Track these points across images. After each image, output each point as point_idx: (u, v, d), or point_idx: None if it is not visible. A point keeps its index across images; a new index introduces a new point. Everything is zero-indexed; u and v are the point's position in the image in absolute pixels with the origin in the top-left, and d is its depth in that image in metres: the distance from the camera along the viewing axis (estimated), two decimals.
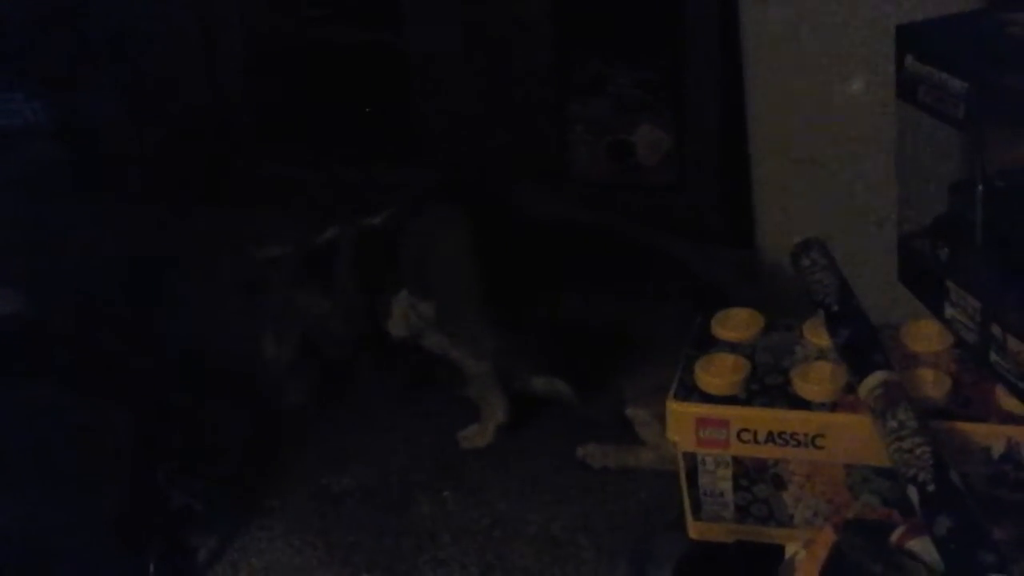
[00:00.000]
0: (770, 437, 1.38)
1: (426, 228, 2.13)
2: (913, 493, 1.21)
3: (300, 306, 2.16)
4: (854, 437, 1.35)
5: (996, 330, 1.33)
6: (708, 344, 1.50)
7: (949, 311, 1.42)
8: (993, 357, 1.34)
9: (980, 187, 1.32)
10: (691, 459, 1.43)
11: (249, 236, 2.75)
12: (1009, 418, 1.33)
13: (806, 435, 1.37)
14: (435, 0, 2.88)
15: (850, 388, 1.36)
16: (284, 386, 2.19)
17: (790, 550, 1.41)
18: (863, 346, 1.37)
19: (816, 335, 1.47)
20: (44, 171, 2.77)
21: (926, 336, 1.46)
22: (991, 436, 1.32)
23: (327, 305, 2.15)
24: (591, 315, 2.03)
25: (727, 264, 2.29)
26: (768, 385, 1.42)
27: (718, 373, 1.42)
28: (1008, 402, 1.34)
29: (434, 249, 2.12)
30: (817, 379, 1.39)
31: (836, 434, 1.36)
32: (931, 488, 1.19)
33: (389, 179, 2.84)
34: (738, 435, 1.40)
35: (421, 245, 2.12)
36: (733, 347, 1.49)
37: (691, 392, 1.43)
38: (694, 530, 1.48)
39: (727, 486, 1.43)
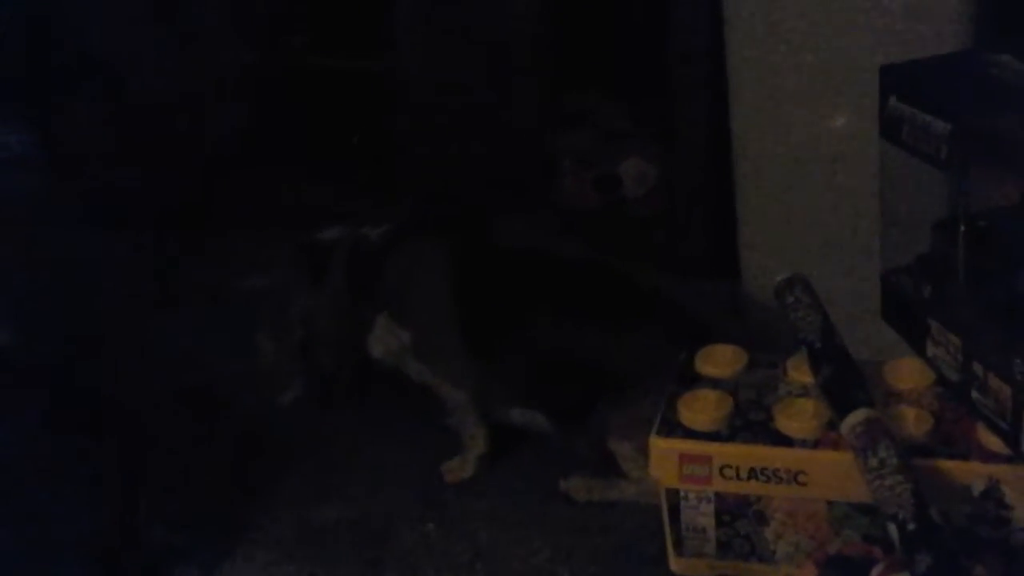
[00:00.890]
0: (752, 473, 1.39)
1: (410, 257, 2.14)
2: (893, 530, 1.22)
3: (295, 301, 2.16)
4: (836, 474, 1.36)
5: (977, 368, 1.34)
6: (691, 380, 1.51)
7: (931, 349, 1.43)
8: (974, 395, 1.35)
9: (962, 227, 1.33)
10: (674, 495, 1.43)
11: (234, 262, 2.76)
12: (990, 456, 1.33)
13: (788, 472, 1.38)
14: (422, 30, 2.89)
15: (832, 425, 1.36)
16: (280, 384, 2.18)
17: None
18: (845, 383, 1.38)
19: (799, 372, 1.48)
20: (28, 200, 2.76)
21: (908, 374, 1.47)
22: (972, 474, 1.33)
23: (319, 305, 2.15)
24: (572, 348, 2.04)
25: (711, 298, 2.30)
26: (751, 421, 1.42)
27: (701, 409, 1.43)
28: (989, 440, 1.34)
29: (416, 278, 2.12)
30: (799, 416, 1.40)
31: (818, 471, 1.37)
32: (911, 526, 1.20)
33: (374, 207, 2.85)
34: (720, 471, 1.40)
35: (404, 273, 2.12)
36: (716, 383, 1.49)
37: (674, 428, 1.43)
38: (676, 566, 1.48)
39: (709, 522, 1.43)
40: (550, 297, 2.08)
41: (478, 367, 2.09)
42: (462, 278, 2.10)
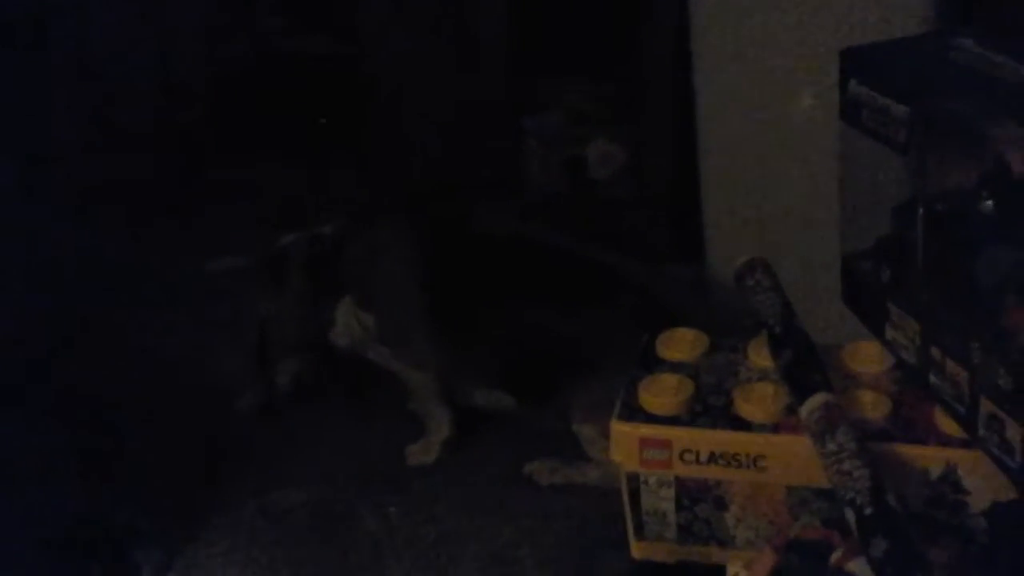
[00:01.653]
0: (712, 458, 1.39)
1: (372, 239, 2.13)
2: (850, 515, 1.22)
3: (256, 311, 2.16)
4: (795, 459, 1.35)
5: (935, 352, 1.34)
6: (652, 364, 1.50)
7: (890, 332, 1.43)
8: (932, 379, 1.35)
9: (921, 210, 1.33)
10: (634, 479, 1.43)
11: (208, 248, 2.75)
12: (947, 440, 1.34)
13: (747, 456, 1.37)
14: (393, 14, 2.88)
15: (792, 410, 1.36)
16: (238, 390, 2.19)
17: (731, 570, 1.41)
18: (804, 368, 1.37)
19: (760, 356, 1.48)
20: (12, 193, 2.75)
21: (867, 357, 1.46)
22: (929, 458, 1.33)
23: (278, 310, 2.15)
24: (537, 330, 2.04)
25: (675, 281, 2.30)
26: (711, 406, 1.42)
27: (661, 393, 1.42)
28: (946, 424, 1.35)
29: (378, 261, 2.12)
30: (759, 400, 1.39)
31: (777, 456, 1.37)
32: (868, 511, 1.20)
33: (346, 190, 2.84)
34: (681, 456, 1.40)
35: (366, 256, 2.12)
36: (677, 367, 1.49)
37: (635, 412, 1.43)
38: (636, 550, 1.47)
39: (669, 506, 1.43)
40: (514, 279, 2.08)
41: (442, 350, 2.09)
42: (425, 261, 2.10)
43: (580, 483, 2.03)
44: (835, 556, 1.31)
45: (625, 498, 1.45)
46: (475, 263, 2.11)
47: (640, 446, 1.41)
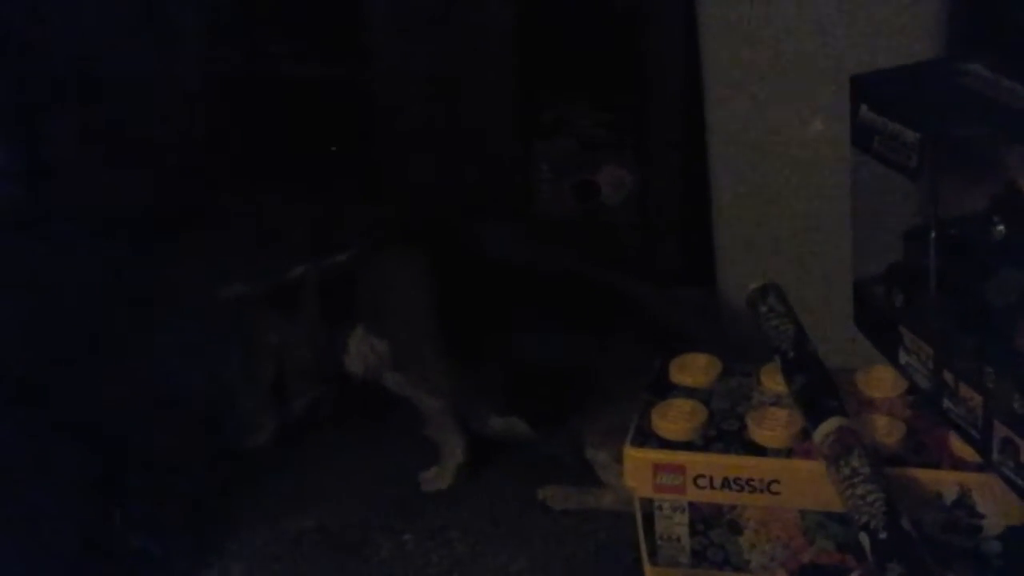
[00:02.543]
0: (726, 483, 1.39)
1: (385, 266, 2.13)
2: (865, 540, 1.22)
3: (269, 343, 2.16)
4: (809, 483, 1.36)
5: (949, 377, 1.34)
6: (666, 389, 1.51)
7: (904, 357, 1.44)
8: (946, 404, 1.36)
9: (933, 235, 1.34)
10: (648, 504, 1.43)
11: (212, 274, 2.75)
12: (961, 464, 1.34)
13: (761, 481, 1.38)
14: (399, 39, 2.89)
15: (805, 434, 1.37)
16: (251, 424, 2.18)
17: None
18: (818, 392, 1.38)
19: (772, 381, 1.48)
20: (8, 212, 2.76)
21: (881, 382, 1.47)
22: (944, 482, 1.33)
23: (293, 340, 2.15)
24: (550, 356, 2.04)
25: (688, 306, 2.30)
26: (724, 431, 1.43)
27: (675, 419, 1.43)
28: (961, 449, 1.35)
29: (391, 287, 2.12)
30: (772, 425, 1.40)
31: (791, 480, 1.37)
32: (883, 535, 1.20)
33: (353, 217, 2.85)
34: (694, 481, 1.40)
35: (379, 283, 2.12)
36: (690, 392, 1.50)
37: (648, 438, 1.43)
38: (651, 575, 1.48)
39: (683, 531, 1.43)
40: (526, 305, 2.08)
41: (456, 376, 2.09)
42: (438, 287, 2.10)
43: (594, 508, 2.03)
44: None
45: (639, 523, 1.45)
46: (487, 288, 2.12)
47: (654, 471, 1.41)
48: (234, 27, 3.12)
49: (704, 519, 1.42)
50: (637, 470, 1.42)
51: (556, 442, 2.07)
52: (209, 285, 2.46)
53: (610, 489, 2.00)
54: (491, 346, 2.07)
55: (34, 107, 2.94)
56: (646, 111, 2.72)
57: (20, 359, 2.20)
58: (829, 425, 1.32)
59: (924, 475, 1.34)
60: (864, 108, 1.40)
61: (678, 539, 1.44)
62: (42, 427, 2.02)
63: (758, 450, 1.39)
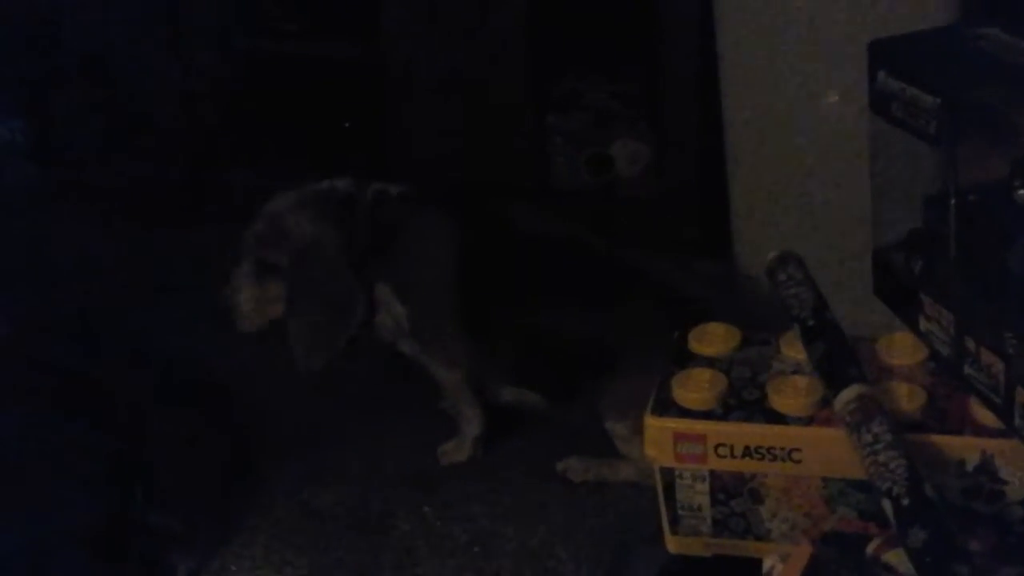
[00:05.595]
0: (747, 451, 1.39)
1: (422, 228, 2.11)
2: (888, 506, 1.22)
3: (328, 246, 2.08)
4: (830, 451, 1.35)
5: (970, 343, 1.34)
6: (685, 359, 1.50)
7: (924, 324, 1.43)
8: (967, 370, 1.35)
9: (953, 201, 1.33)
10: (668, 474, 1.43)
11: (226, 253, 2.76)
12: (983, 430, 1.33)
13: (782, 449, 1.38)
14: (412, 15, 2.88)
15: (826, 402, 1.36)
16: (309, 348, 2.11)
17: (767, 563, 1.41)
18: (838, 360, 1.37)
19: (792, 349, 1.48)
20: (20, 190, 2.76)
21: (901, 349, 1.46)
22: (966, 448, 1.33)
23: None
24: (567, 327, 2.04)
25: (705, 277, 2.30)
26: (745, 400, 1.42)
27: (695, 388, 1.43)
28: (982, 414, 1.34)
29: (420, 255, 2.11)
30: (793, 393, 1.39)
31: (812, 448, 1.37)
32: (905, 501, 1.20)
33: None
34: (715, 450, 1.40)
35: (412, 245, 2.10)
36: (710, 362, 1.49)
37: (668, 407, 1.43)
38: (672, 544, 1.48)
39: (704, 500, 1.43)
40: (546, 277, 2.08)
41: (472, 346, 2.09)
42: (463, 258, 2.09)
43: (612, 480, 2.04)
44: (872, 547, 1.31)
45: (660, 493, 1.45)
46: (504, 259, 2.11)
47: (674, 440, 1.41)
48: (245, 5, 3.11)
49: (725, 488, 1.42)
50: (657, 440, 1.41)
51: (571, 413, 2.07)
52: (220, 261, 2.46)
53: (629, 461, 2.01)
54: (506, 317, 2.07)
55: (44, 83, 2.94)
56: (661, 83, 2.72)
57: (39, 339, 2.22)
58: (850, 392, 1.31)
59: (946, 441, 1.33)
60: (882, 74, 1.39)
61: (699, 508, 1.44)
62: (64, 406, 2.03)
63: (779, 418, 1.39)
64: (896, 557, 1.27)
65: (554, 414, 2.11)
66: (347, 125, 3.07)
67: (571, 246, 2.15)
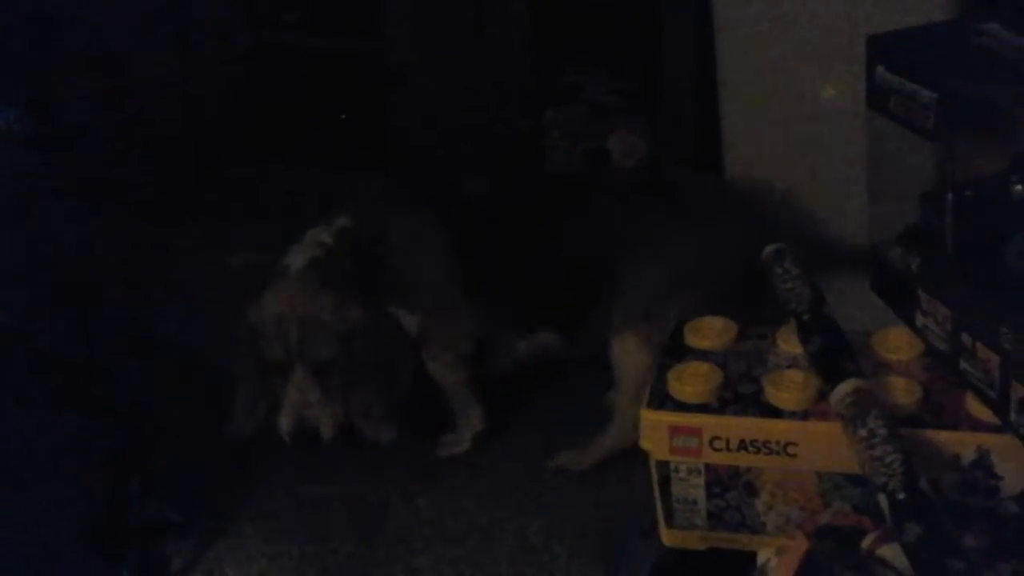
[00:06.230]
0: (742, 445, 1.39)
1: (400, 235, 2.09)
2: (883, 501, 1.22)
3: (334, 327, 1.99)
4: (826, 445, 1.36)
5: (966, 338, 1.34)
6: (681, 353, 1.51)
7: (920, 319, 1.43)
8: (963, 365, 1.35)
9: (950, 196, 1.33)
10: (664, 467, 1.43)
11: (227, 244, 2.76)
12: (979, 425, 1.34)
13: (778, 443, 1.38)
14: (413, 8, 2.88)
15: (822, 396, 1.36)
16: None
17: (762, 557, 1.41)
18: (834, 354, 1.38)
19: (788, 343, 1.48)
20: (22, 180, 2.76)
21: (897, 344, 1.47)
22: (961, 443, 1.33)
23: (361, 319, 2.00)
24: (572, 262, 2.04)
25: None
26: (741, 393, 1.43)
27: (691, 381, 1.43)
28: (978, 410, 1.35)
29: (413, 267, 2.06)
30: (789, 387, 1.40)
31: (808, 442, 1.37)
32: (901, 496, 1.20)
33: (365, 185, 2.85)
34: (711, 443, 1.40)
35: (402, 264, 2.05)
36: (706, 355, 1.50)
37: (664, 400, 1.43)
38: (667, 538, 1.48)
39: (700, 494, 1.43)
40: (542, 218, 2.07)
41: (480, 322, 2.06)
42: (456, 245, 2.06)
43: (608, 455, 2.02)
44: (867, 541, 1.32)
45: (655, 486, 1.45)
46: (497, 219, 2.08)
47: (670, 434, 1.41)
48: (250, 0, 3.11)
49: (720, 481, 1.42)
50: (653, 433, 1.42)
51: (586, 346, 2.07)
52: (219, 254, 2.46)
53: (610, 430, 2.01)
54: (509, 273, 2.05)
55: (50, 76, 2.94)
56: (659, 77, 2.72)
57: (40, 331, 2.21)
58: (846, 387, 1.32)
59: (942, 436, 1.34)
60: (881, 69, 1.39)
61: (694, 502, 1.44)
62: (62, 398, 2.03)
63: (774, 412, 1.39)
64: (891, 552, 1.27)
65: (570, 352, 2.10)
66: (343, 117, 3.07)
67: (558, 184, 2.17)
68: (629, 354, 1.96)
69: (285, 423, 1.95)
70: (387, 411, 2.01)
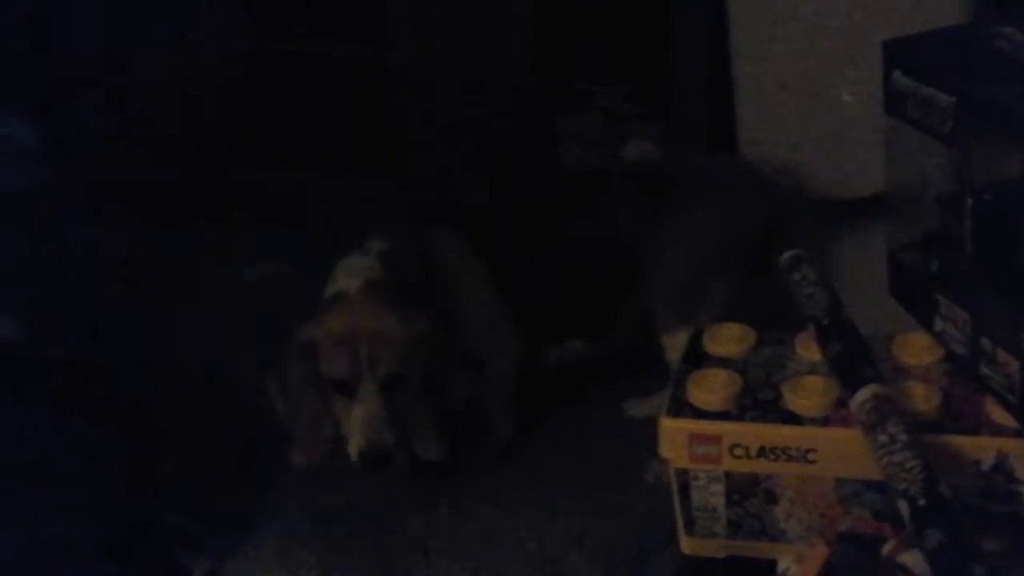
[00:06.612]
0: (762, 452, 1.39)
1: (440, 258, 2.04)
2: (904, 507, 1.21)
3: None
4: (845, 451, 1.35)
5: (986, 343, 1.33)
6: (700, 360, 1.51)
7: (939, 324, 1.43)
8: (983, 370, 1.35)
9: (969, 201, 1.33)
10: (683, 475, 1.43)
11: (236, 251, 2.77)
12: (999, 430, 1.33)
13: (798, 450, 1.38)
14: (421, 15, 2.88)
15: (841, 402, 1.36)
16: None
17: (782, 564, 1.41)
18: (854, 360, 1.37)
19: (807, 349, 1.48)
20: (33, 192, 2.76)
21: (916, 349, 1.46)
22: (981, 449, 1.32)
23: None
24: (597, 263, 2.03)
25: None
26: (760, 400, 1.42)
27: (710, 389, 1.43)
28: (998, 414, 1.34)
29: (457, 286, 2.04)
30: (808, 394, 1.39)
31: (828, 448, 1.37)
32: (921, 502, 1.20)
33: (374, 194, 2.85)
34: (730, 450, 1.40)
35: (443, 276, 2.03)
36: (725, 362, 1.49)
37: (683, 408, 1.43)
38: (687, 546, 1.48)
39: (719, 501, 1.43)
40: (557, 225, 2.06)
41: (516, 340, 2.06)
42: (488, 257, 2.04)
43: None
44: (887, 548, 1.31)
45: (675, 494, 1.45)
46: (525, 228, 2.08)
47: (690, 442, 1.41)
48: (254, 4, 3.11)
49: (740, 489, 1.42)
50: (673, 440, 1.41)
51: (613, 345, 2.07)
52: (228, 262, 2.46)
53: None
54: (537, 282, 2.04)
55: (58, 89, 2.94)
56: (673, 83, 2.71)
57: (48, 338, 2.22)
58: (866, 393, 1.31)
59: (961, 442, 1.33)
60: (897, 73, 1.39)
61: (714, 509, 1.44)
62: (78, 408, 2.03)
63: (794, 419, 1.39)
64: (912, 558, 1.26)
65: (597, 353, 2.10)
66: (353, 125, 3.07)
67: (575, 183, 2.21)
68: (680, 345, 1.94)
69: (355, 444, 1.86)
70: (440, 428, 1.96)
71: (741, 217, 2.01)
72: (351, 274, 1.95)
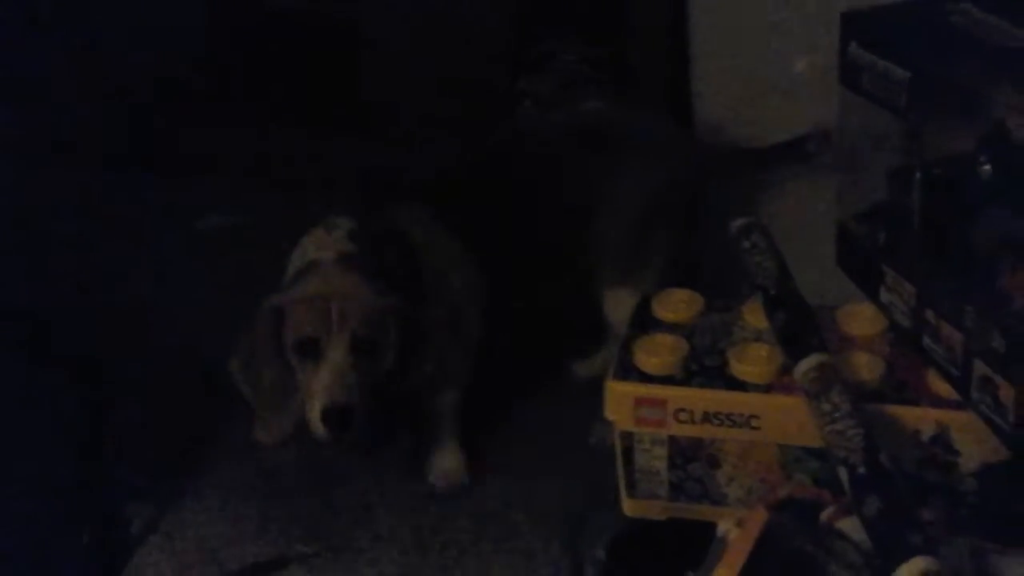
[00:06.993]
0: (706, 417, 1.40)
1: (410, 236, 1.99)
2: (844, 474, 1.23)
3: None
4: (788, 418, 1.37)
5: (930, 315, 1.35)
6: (648, 324, 1.52)
7: (885, 296, 1.44)
8: (926, 342, 1.36)
9: (918, 174, 1.34)
10: (628, 438, 1.44)
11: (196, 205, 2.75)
12: (940, 402, 1.35)
13: (741, 416, 1.39)
14: None
15: (786, 370, 1.37)
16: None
17: (722, 527, 1.42)
18: (799, 329, 1.39)
19: (754, 317, 1.49)
20: None
21: (862, 320, 1.48)
22: (922, 419, 1.35)
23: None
24: (552, 232, 2.01)
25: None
26: (706, 366, 1.43)
27: (656, 353, 1.44)
28: (939, 386, 1.36)
29: (426, 261, 1.99)
30: (753, 361, 1.41)
31: (771, 415, 1.38)
32: (861, 470, 1.21)
33: (338, 150, 2.83)
34: (675, 415, 1.41)
35: (412, 255, 1.97)
36: (672, 327, 1.50)
37: (630, 372, 1.44)
38: (628, 508, 1.49)
39: (662, 465, 1.44)
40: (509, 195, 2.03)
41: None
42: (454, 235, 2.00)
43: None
44: (826, 514, 1.33)
45: (618, 456, 1.46)
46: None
47: (635, 405, 1.42)
48: None
49: (683, 453, 1.43)
50: (618, 404, 1.42)
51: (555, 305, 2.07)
52: (185, 217, 2.44)
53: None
54: (502, 258, 2.00)
55: (24, 29, 2.90)
56: (631, 47, 2.71)
57: (12, 291, 2.20)
58: (810, 361, 1.32)
59: (903, 412, 1.35)
60: (854, 45, 1.40)
61: (657, 472, 1.45)
62: (26, 358, 2.02)
63: (739, 385, 1.40)
64: (850, 524, 1.28)
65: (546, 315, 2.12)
66: (318, 81, 3.05)
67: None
68: (622, 302, 1.91)
69: (319, 402, 1.74)
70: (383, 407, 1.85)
71: (673, 172, 2.02)
72: (323, 247, 1.89)
